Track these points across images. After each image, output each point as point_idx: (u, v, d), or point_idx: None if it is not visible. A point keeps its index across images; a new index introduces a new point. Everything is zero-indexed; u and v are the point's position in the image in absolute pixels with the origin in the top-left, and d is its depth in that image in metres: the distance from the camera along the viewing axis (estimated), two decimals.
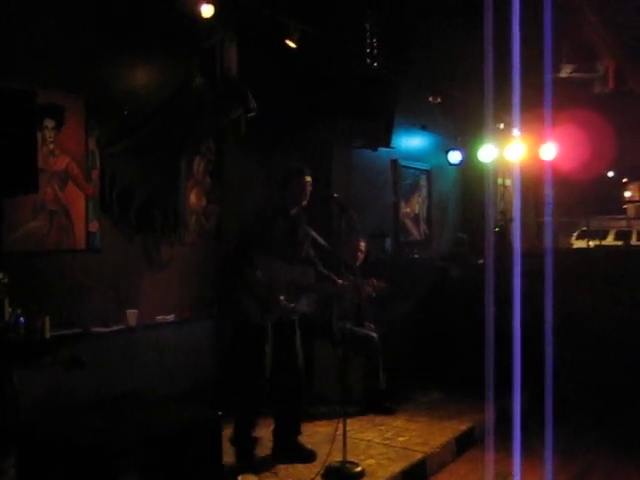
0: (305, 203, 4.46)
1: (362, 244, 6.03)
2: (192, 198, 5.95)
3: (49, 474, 3.02)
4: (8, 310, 4.11)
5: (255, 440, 4.41)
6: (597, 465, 4.90)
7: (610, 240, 17.14)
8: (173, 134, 5.63)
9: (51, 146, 4.84)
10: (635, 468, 4.84)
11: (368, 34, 6.85)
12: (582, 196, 16.67)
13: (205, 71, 5.68)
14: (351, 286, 4.84)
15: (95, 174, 5.16)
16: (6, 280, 4.07)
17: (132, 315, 5.24)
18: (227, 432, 3.42)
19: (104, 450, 2.88)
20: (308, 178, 4.42)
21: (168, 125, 5.55)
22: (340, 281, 4.60)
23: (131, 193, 5.41)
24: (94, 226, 5.15)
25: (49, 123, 4.81)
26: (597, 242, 15.92)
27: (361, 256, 6.03)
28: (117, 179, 5.30)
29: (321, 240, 4.68)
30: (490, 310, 5.33)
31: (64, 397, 4.43)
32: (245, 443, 4.34)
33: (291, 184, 4.40)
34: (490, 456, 4.57)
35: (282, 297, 4.28)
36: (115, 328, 5.11)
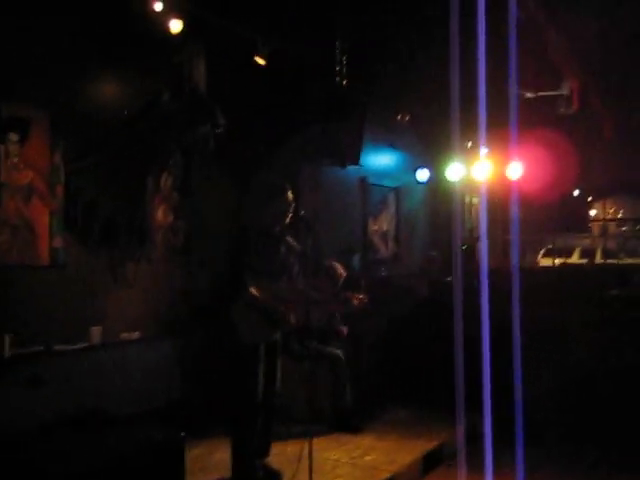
0: (288, 221, 4.43)
1: (338, 268, 5.94)
2: (159, 214, 5.88)
3: None
4: None
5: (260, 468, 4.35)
6: None
7: (575, 258, 17.38)
8: (140, 149, 5.59)
9: (15, 160, 4.75)
10: None
11: (338, 52, 6.89)
12: (549, 214, 16.89)
13: (173, 87, 5.65)
14: (336, 301, 4.85)
15: (60, 189, 5.08)
16: None
17: (96, 332, 5.15)
18: (192, 453, 3.36)
19: (65, 474, 2.81)
20: (290, 195, 4.41)
21: (135, 140, 5.51)
22: (323, 298, 4.64)
23: (96, 209, 5.33)
24: (58, 242, 5.06)
25: (13, 137, 4.74)
26: (563, 260, 16.13)
27: (343, 277, 5.96)
28: (82, 195, 5.23)
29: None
30: (458, 328, 5.34)
31: (26, 417, 4.31)
32: (251, 472, 4.25)
33: (275, 202, 4.37)
34: (459, 475, 4.56)
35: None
36: (78, 346, 5.01)
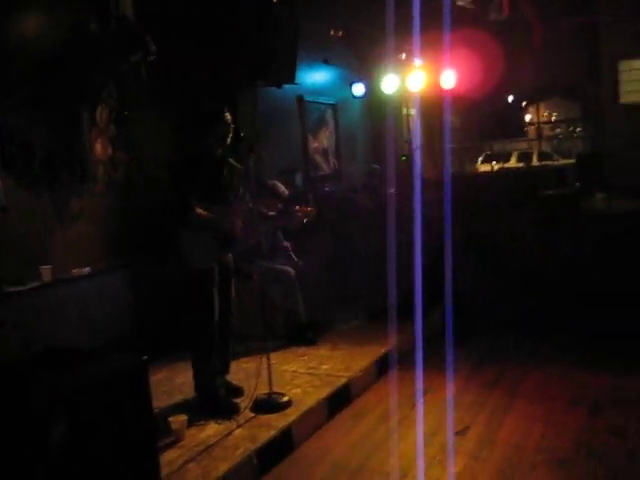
0: (229, 142, 4.48)
1: (281, 187, 5.94)
2: (97, 147, 5.81)
3: None
4: None
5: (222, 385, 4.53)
6: (506, 373, 5.28)
7: (513, 162, 17.74)
8: (71, 82, 5.44)
9: None
10: (539, 375, 5.24)
11: None
12: (485, 122, 17.15)
13: (100, 14, 5.48)
14: (285, 215, 4.94)
15: None
16: None
17: (46, 271, 5.16)
18: (155, 378, 3.47)
19: (32, 402, 2.90)
20: (229, 116, 4.44)
21: (64, 73, 5.36)
22: (271, 213, 4.75)
23: (33, 147, 5.23)
24: None
25: None
26: (500, 165, 16.47)
27: (286, 195, 5.99)
28: (16, 133, 5.11)
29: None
30: (401, 237, 5.55)
31: None
32: (214, 389, 4.44)
33: (214, 125, 4.41)
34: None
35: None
36: (31, 286, 5.02)
